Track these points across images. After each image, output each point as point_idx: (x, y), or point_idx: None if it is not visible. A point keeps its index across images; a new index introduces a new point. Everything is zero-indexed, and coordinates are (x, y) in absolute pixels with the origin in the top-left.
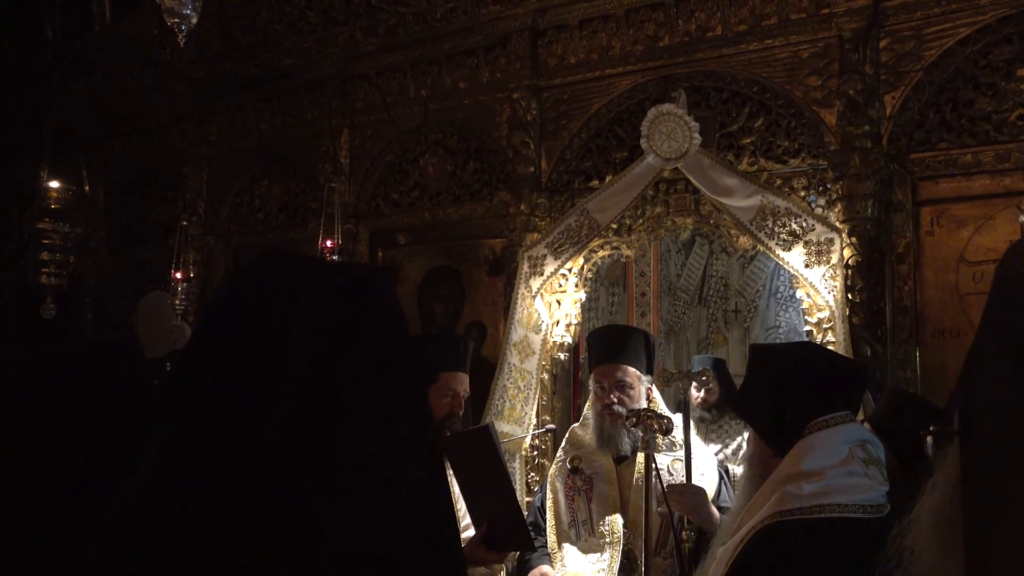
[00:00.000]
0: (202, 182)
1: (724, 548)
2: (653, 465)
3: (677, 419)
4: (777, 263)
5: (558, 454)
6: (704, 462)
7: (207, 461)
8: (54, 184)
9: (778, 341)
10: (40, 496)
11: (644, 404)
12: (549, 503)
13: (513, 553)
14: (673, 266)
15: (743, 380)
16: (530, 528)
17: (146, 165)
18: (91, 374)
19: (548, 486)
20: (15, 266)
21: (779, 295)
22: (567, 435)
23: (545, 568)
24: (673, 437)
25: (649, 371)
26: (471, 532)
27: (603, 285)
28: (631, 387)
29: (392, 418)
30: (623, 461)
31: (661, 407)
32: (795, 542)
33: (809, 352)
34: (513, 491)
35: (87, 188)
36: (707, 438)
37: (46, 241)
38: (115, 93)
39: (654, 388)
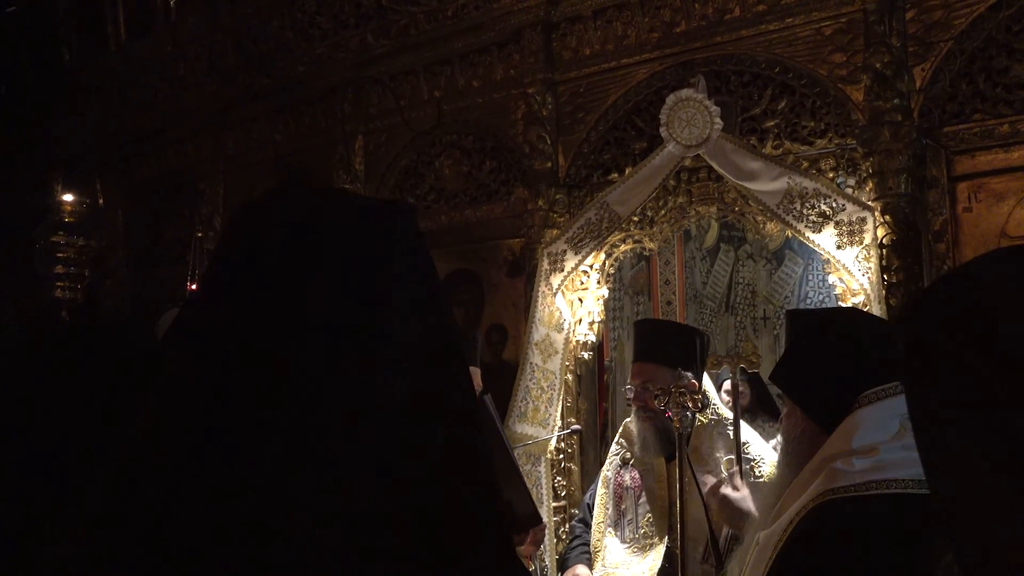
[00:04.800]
0: (219, 196)
1: (768, 532)
2: (686, 448)
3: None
4: (805, 269)
5: (612, 448)
6: (768, 458)
7: (219, 407)
8: (68, 197)
9: None
10: (48, 470)
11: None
12: (599, 498)
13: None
14: (698, 274)
15: (785, 349)
16: (579, 523)
17: (164, 183)
18: (104, 347)
19: (600, 480)
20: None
21: (808, 301)
22: (620, 429)
23: (580, 569)
24: (729, 431)
25: (685, 365)
26: None
27: (627, 294)
28: (655, 386)
29: (425, 355)
30: (674, 459)
31: (714, 399)
32: (849, 519)
33: (857, 318)
34: (515, 461)
35: (101, 201)
36: None
37: (60, 255)
38: (131, 112)
39: (706, 380)
